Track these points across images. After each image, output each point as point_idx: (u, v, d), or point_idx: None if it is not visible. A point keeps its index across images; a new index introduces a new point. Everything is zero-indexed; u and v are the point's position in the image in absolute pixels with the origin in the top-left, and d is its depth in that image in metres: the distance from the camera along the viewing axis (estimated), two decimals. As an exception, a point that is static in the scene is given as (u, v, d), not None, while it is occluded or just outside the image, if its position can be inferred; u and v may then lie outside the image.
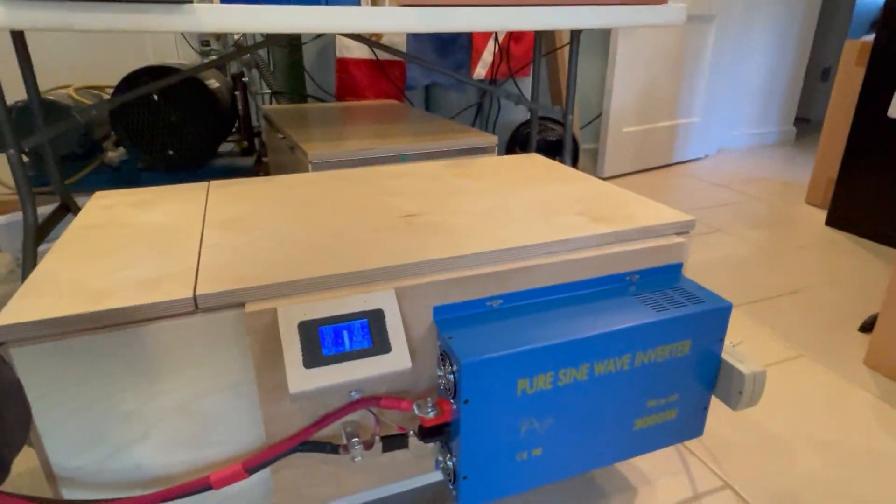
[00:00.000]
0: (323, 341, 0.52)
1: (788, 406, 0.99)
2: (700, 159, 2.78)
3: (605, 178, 2.40)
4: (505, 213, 0.72)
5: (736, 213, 2.01)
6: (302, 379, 0.51)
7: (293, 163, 1.23)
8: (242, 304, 0.52)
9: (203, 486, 0.54)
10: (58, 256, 0.60)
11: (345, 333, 0.53)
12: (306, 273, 0.55)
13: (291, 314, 0.52)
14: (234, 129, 2.01)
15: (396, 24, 1.07)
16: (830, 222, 1.88)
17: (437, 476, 0.69)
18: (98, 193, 0.81)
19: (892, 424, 0.95)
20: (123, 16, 0.94)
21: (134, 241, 0.63)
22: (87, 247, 0.62)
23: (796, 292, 1.41)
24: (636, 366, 0.60)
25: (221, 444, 0.56)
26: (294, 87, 1.99)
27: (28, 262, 1.20)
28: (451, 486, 0.62)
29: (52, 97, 1.54)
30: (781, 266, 1.57)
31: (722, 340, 0.63)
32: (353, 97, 1.96)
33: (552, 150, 2.08)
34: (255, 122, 2.09)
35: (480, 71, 2.06)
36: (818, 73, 3.74)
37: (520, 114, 2.30)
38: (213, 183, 0.86)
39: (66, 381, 0.48)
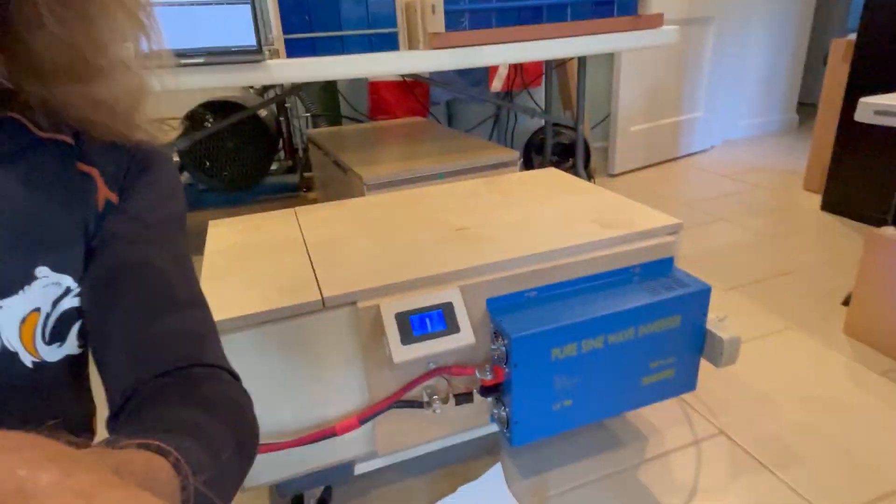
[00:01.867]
0: (412, 326, 0.74)
1: (776, 369, 1.18)
2: (705, 151, 2.95)
3: (615, 175, 2.59)
4: (534, 224, 0.92)
5: (737, 202, 2.19)
6: (400, 353, 0.72)
7: (346, 184, 1.45)
8: (355, 302, 0.74)
9: (330, 433, 0.76)
10: (209, 275, 0.82)
11: (427, 320, 0.75)
12: (397, 277, 0.76)
13: (390, 308, 0.73)
14: (278, 149, 2.23)
15: (431, 64, 1.28)
16: (825, 207, 2.05)
17: (493, 428, 0.90)
18: (212, 222, 1.03)
19: (863, 381, 1.14)
20: (213, 76, 1.16)
21: (260, 259, 0.85)
22: (228, 266, 0.84)
23: (788, 273, 1.59)
24: (639, 336, 0.80)
25: (340, 403, 0.78)
26: (330, 108, 2.20)
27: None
28: (504, 431, 0.83)
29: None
30: (777, 250, 1.75)
31: (705, 315, 0.84)
32: (384, 115, 2.17)
33: (566, 152, 2.28)
34: (295, 141, 2.31)
35: (497, 84, 2.26)
36: (821, 58, 3.87)
37: (534, 121, 2.49)
38: (299, 209, 1.07)
39: (246, 356, 0.70)
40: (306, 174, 2.17)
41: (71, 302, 0.39)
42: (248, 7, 1.19)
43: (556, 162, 2.28)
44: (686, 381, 0.88)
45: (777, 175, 2.50)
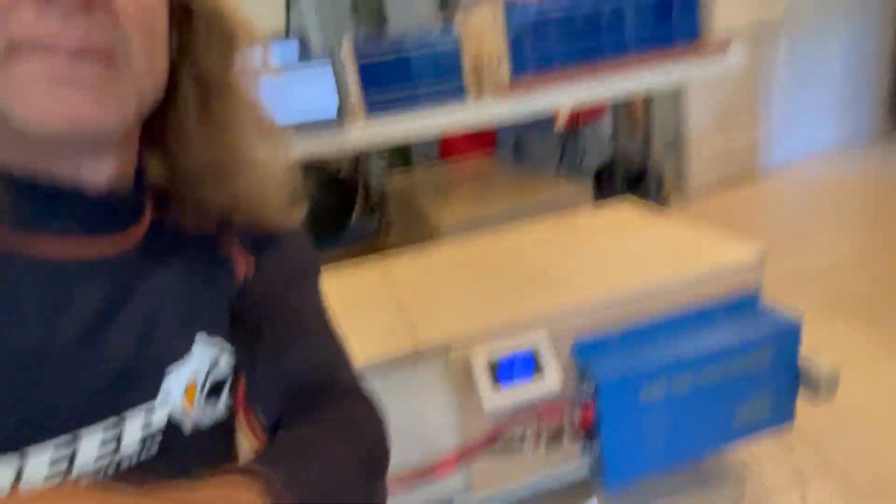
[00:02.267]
0: (501, 371, 0.78)
1: (885, 399, 1.12)
2: (786, 167, 2.82)
3: (690, 197, 2.53)
4: (613, 262, 0.94)
5: (828, 218, 2.08)
6: (491, 398, 0.76)
7: (424, 227, 1.52)
8: (446, 351, 0.79)
9: (428, 476, 0.81)
10: (313, 327, 0.90)
11: (515, 365, 0.78)
12: (484, 324, 0.80)
13: (479, 355, 0.78)
14: (356, 196, 2.37)
15: (501, 113, 1.34)
16: (929, 218, 1.91)
17: (585, 467, 0.91)
18: (309, 276, 1.12)
19: None
20: (298, 143, 1.28)
21: (354, 309, 0.93)
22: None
23: (891, 293, 1.49)
24: (729, 373, 0.80)
25: (436, 446, 0.82)
26: (403, 151, 2.32)
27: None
28: (597, 474, 0.84)
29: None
30: (878, 268, 1.65)
31: (797, 349, 0.82)
32: (454, 154, 2.26)
33: (637, 179, 2.26)
34: (372, 186, 2.44)
35: (562, 118, 2.29)
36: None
37: (603, 151, 2.49)
38: (385, 258, 1.15)
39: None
40: (385, 218, 2.28)
41: (223, 361, 0.46)
42: (330, 75, 1.31)
43: (627, 190, 2.27)
44: (782, 416, 0.86)
45: (870, 187, 2.35)
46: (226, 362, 0.46)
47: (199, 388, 0.44)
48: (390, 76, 1.33)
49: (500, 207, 1.41)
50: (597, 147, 2.28)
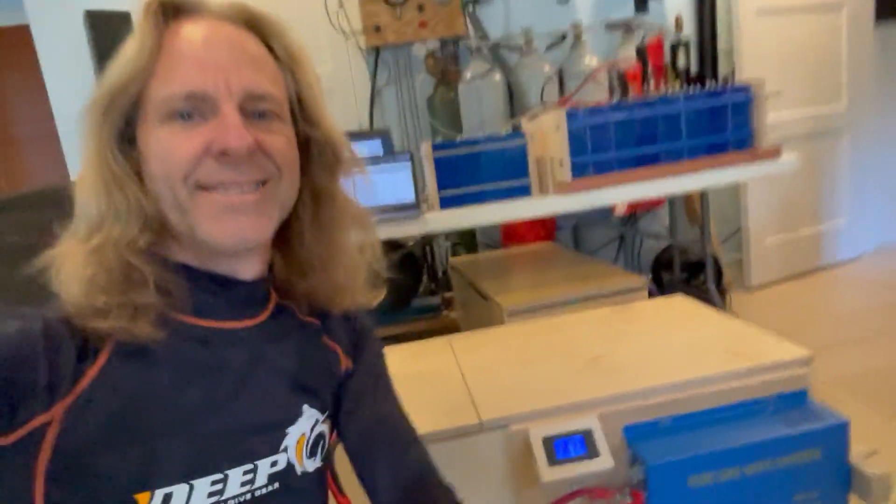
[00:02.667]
0: (557, 449, 0.85)
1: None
2: (854, 259, 2.77)
3: (751, 288, 2.53)
4: (665, 353, 1.01)
5: (888, 316, 2.03)
6: (547, 473, 0.83)
7: (486, 309, 1.63)
8: (507, 426, 0.87)
9: (486, 544, 0.87)
10: (387, 396, 1.01)
11: (570, 444, 0.86)
12: (542, 405, 0.89)
13: (537, 432, 0.86)
14: (423, 274, 2.52)
15: (560, 208, 1.47)
16: None
17: (634, 552, 0.94)
18: (382, 349, 1.24)
19: None
20: (380, 228, 1.44)
21: (423, 383, 1.03)
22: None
23: (966, 400, 1.45)
24: (777, 468, 0.84)
25: (494, 517, 0.89)
26: (467, 236, 2.48)
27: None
28: (647, 556, 0.87)
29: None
30: (951, 373, 1.60)
31: (846, 449, 0.85)
32: (516, 241, 2.40)
33: (695, 269, 2.30)
34: (437, 265, 2.59)
35: (620, 209, 2.40)
36: None
37: (661, 239, 2.56)
38: (452, 337, 1.26)
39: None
40: (446, 295, 2.40)
41: (319, 429, 0.58)
42: (409, 171, 1.49)
43: (686, 279, 2.31)
44: (837, 518, 0.88)
45: (946, 285, 2.28)
46: (322, 428, 0.59)
47: (305, 444, 0.56)
48: (463, 173, 1.50)
49: (557, 293, 1.51)
50: (655, 236, 2.35)
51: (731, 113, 1.50)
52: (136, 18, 0.46)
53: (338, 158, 0.58)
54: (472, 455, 0.87)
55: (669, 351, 1.02)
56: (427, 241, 2.41)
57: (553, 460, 0.84)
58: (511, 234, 2.42)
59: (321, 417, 0.58)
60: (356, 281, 0.62)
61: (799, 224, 2.63)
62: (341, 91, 2.49)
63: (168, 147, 0.46)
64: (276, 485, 0.52)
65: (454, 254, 2.47)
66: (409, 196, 1.48)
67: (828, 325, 2.06)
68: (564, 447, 0.85)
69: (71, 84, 2.35)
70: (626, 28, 2.29)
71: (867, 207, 2.79)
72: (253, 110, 0.48)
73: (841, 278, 2.54)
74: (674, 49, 2.59)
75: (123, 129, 0.47)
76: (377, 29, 2.35)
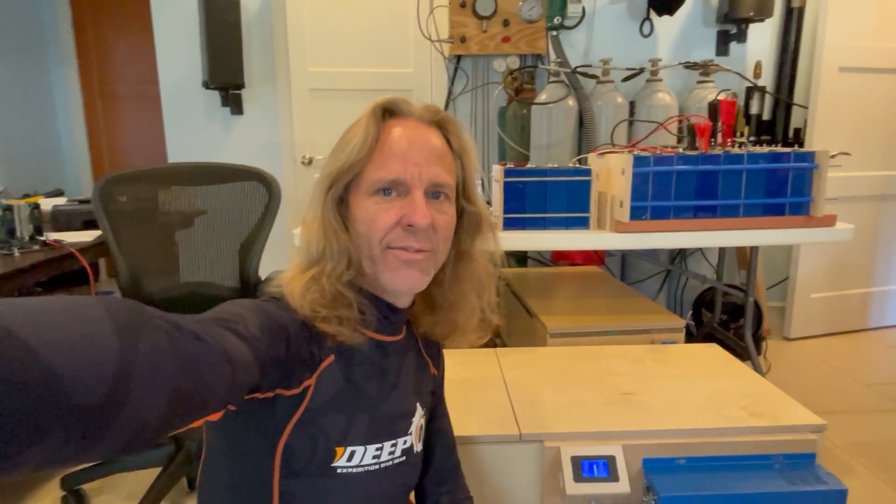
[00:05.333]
0: (583, 468, 0.99)
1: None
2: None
3: (791, 339, 2.56)
4: (690, 398, 1.13)
5: (932, 393, 2.05)
6: (572, 488, 0.97)
7: (530, 326, 1.76)
8: (542, 441, 1.02)
9: (509, 537, 1.02)
10: (439, 396, 1.16)
11: (594, 466, 0.99)
12: (575, 428, 1.03)
13: (568, 451, 1.00)
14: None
15: (614, 244, 1.59)
16: None
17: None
18: (436, 351, 1.40)
19: None
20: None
21: (471, 390, 1.18)
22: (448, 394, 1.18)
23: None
24: (775, 518, 0.95)
25: (519, 515, 1.04)
26: (518, 252, 2.61)
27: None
28: (647, 573, 1.00)
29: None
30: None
31: (842, 513, 0.95)
32: (566, 260, 2.51)
33: (736, 313, 2.37)
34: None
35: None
36: None
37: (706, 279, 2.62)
38: (498, 351, 1.40)
39: (459, 467, 1.01)
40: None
41: (422, 421, 0.77)
42: (479, 189, 1.62)
43: (726, 321, 2.37)
44: (824, 572, 0.98)
45: None
46: (423, 421, 0.78)
47: (419, 432, 0.75)
48: (529, 198, 1.62)
49: (600, 322, 1.63)
50: (701, 275, 2.42)
51: (791, 178, 1.57)
52: (365, 114, 0.65)
53: (480, 228, 0.74)
54: (510, 461, 1.02)
55: (695, 397, 1.14)
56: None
57: (579, 477, 0.98)
58: (562, 253, 2.53)
59: (423, 412, 0.77)
60: (471, 323, 0.77)
61: (850, 283, 2.64)
62: (419, 93, 2.64)
63: (373, 216, 0.64)
64: (404, 458, 0.72)
65: (505, 266, 2.60)
66: (476, 214, 1.62)
67: (857, 388, 2.10)
68: (590, 468, 0.99)
69: (178, 55, 2.60)
70: (704, 70, 2.35)
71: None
72: (433, 192, 0.66)
73: (883, 343, 2.54)
74: (748, 93, 2.63)
75: (342, 194, 0.66)
76: (463, 40, 2.49)
